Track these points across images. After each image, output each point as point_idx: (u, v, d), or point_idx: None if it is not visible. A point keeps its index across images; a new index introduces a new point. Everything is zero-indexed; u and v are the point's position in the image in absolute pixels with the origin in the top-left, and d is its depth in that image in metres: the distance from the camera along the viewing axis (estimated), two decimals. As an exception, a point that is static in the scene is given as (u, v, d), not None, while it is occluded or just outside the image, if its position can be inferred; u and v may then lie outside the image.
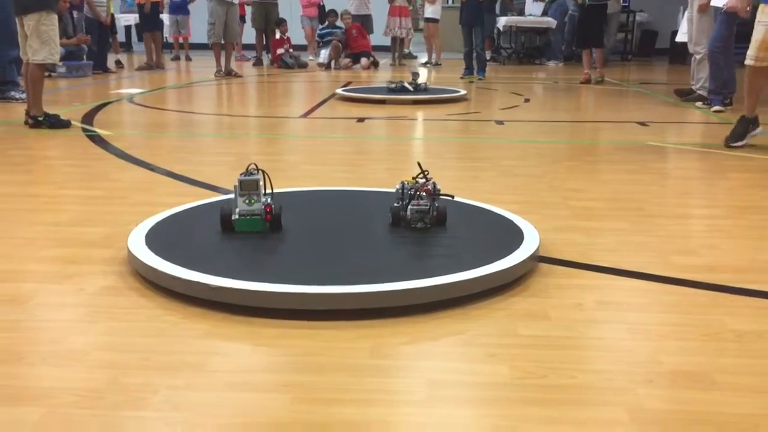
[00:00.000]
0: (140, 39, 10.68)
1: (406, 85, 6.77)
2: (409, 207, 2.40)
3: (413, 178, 2.47)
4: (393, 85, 6.81)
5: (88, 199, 3.10)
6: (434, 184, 2.43)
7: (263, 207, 2.33)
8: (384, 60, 11.77)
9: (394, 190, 2.50)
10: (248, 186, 2.32)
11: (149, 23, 10.47)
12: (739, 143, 4.31)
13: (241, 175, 2.33)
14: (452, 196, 2.58)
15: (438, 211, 2.41)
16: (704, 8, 5.78)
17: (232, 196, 2.38)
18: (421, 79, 6.97)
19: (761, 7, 4.12)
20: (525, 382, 1.55)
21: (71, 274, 2.17)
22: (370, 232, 2.47)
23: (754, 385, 1.55)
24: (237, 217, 2.33)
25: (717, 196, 3.41)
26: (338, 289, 1.88)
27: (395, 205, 2.44)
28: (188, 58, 12.02)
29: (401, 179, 2.48)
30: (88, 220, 2.78)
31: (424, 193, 2.40)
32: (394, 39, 11.77)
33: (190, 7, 12.11)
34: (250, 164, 2.37)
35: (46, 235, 2.56)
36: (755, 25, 4.16)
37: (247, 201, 2.33)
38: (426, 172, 2.48)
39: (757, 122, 4.37)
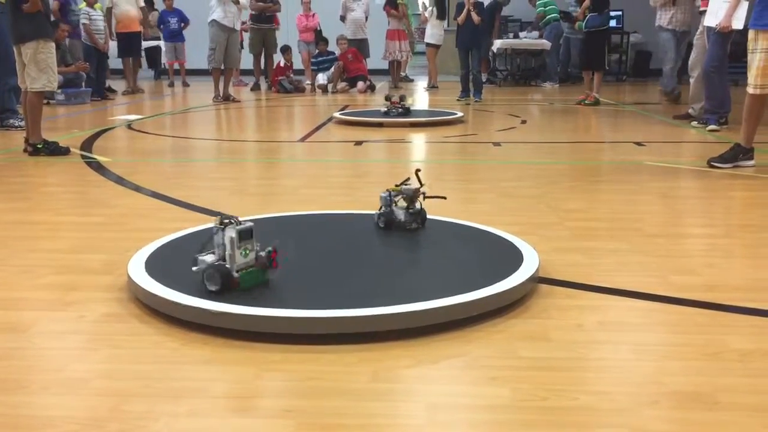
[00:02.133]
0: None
1: (395, 106, 6.79)
2: (403, 211, 2.61)
3: (396, 186, 2.66)
4: (385, 109, 6.83)
5: (87, 225, 3.11)
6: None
7: (265, 255, 2.09)
8: (381, 83, 11.84)
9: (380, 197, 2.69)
10: (246, 236, 2.07)
11: (130, 50, 10.55)
12: (722, 165, 4.29)
13: (226, 226, 2.05)
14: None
15: (423, 212, 2.68)
16: (725, 29, 5.76)
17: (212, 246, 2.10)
18: (397, 98, 6.99)
19: (752, 33, 4.14)
20: (526, 404, 1.55)
21: (71, 302, 2.16)
22: (369, 256, 2.47)
23: (757, 405, 1.54)
24: (237, 273, 2.05)
25: (715, 216, 3.42)
26: (338, 313, 1.88)
27: (385, 210, 2.65)
28: (185, 84, 12.08)
29: (386, 188, 2.69)
30: (88, 246, 2.78)
31: (420, 196, 2.63)
32: (392, 63, 11.86)
33: (186, 33, 12.20)
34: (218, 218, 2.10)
35: (45, 263, 2.56)
36: (750, 54, 4.15)
37: (243, 253, 2.06)
38: (408, 180, 2.69)
39: (751, 155, 4.32)
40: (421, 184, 2.66)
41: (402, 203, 2.67)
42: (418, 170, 2.76)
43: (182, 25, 12.03)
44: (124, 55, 10.45)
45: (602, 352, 1.83)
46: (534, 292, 2.20)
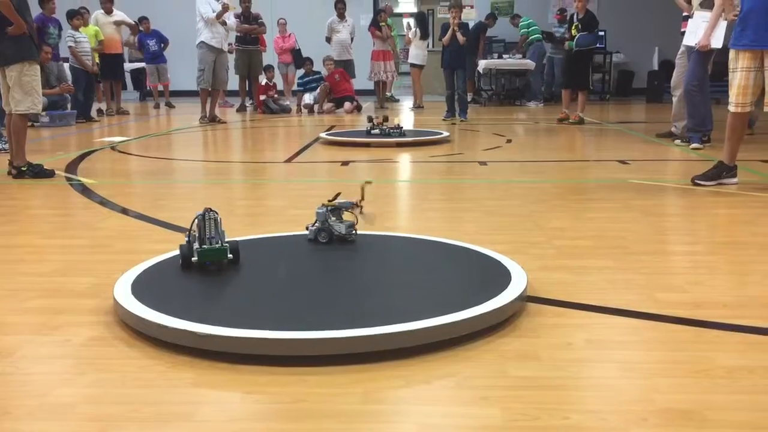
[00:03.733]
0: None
1: (382, 128, 6.82)
2: (343, 224, 2.77)
3: (329, 201, 2.81)
4: (375, 130, 6.85)
5: (72, 248, 3.08)
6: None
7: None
8: (367, 104, 11.89)
9: (316, 213, 2.81)
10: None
11: (113, 72, 10.55)
12: (706, 183, 4.33)
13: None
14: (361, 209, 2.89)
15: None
16: (704, 48, 5.85)
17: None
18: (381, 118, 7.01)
19: (732, 53, 4.21)
20: (518, 424, 1.55)
21: (57, 326, 2.14)
22: (357, 276, 2.47)
23: (746, 422, 1.55)
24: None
25: (699, 233, 3.45)
26: (326, 334, 1.87)
27: (324, 225, 2.78)
28: (170, 105, 12.08)
29: (320, 203, 2.81)
30: (73, 269, 2.76)
31: (357, 208, 2.78)
32: (377, 83, 11.93)
33: (169, 54, 12.22)
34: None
35: (30, 286, 2.53)
36: (731, 73, 4.21)
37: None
38: (338, 194, 2.85)
39: (734, 172, 4.36)
40: (362, 197, 2.80)
41: (336, 217, 2.81)
42: (368, 182, 2.88)
43: (162, 45, 12.05)
44: (106, 77, 10.45)
45: (591, 371, 1.84)
46: (523, 310, 2.21)
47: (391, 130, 6.78)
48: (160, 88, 12.41)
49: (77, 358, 1.92)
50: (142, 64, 12.60)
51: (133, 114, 10.84)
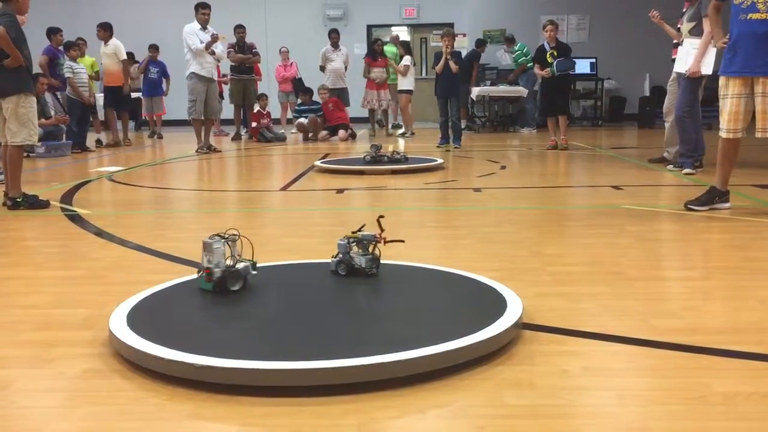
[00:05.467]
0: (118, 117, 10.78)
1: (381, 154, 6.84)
2: (364, 257, 2.70)
3: (353, 233, 2.75)
4: (369, 157, 6.88)
5: (67, 279, 3.08)
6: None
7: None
8: (361, 131, 11.96)
9: (338, 244, 2.75)
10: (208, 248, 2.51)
11: (116, 103, 10.60)
12: (699, 208, 4.35)
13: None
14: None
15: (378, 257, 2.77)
16: (695, 74, 5.93)
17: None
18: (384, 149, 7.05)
19: (722, 80, 4.26)
20: (515, 453, 1.54)
21: (51, 358, 2.13)
22: (352, 305, 2.47)
23: (743, 448, 1.55)
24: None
25: (694, 258, 3.46)
26: (322, 364, 1.86)
27: (344, 257, 2.72)
28: (159, 136, 12.09)
29: (344, 235, 2.76)
30: (68, 301, 2.75)
31: (377, 242, 2.71)
32: (371, 111, 12.02)
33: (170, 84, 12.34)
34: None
35: (24, 319, 2.52)
36: (721, 99, 4.25)
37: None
38: (363, 226, 2.79)
39: (727, 197, 4.38)
40: (382, 230, 2.73)
41: (358, 249, 2.74)
42: (381, 216, 2.83)
43: (162, 78, 12.15)
44: (108, 106, 10.54)
45: (588, 398, 1.83)
46: (518, 338, 2.21)
47: (391, 157, 6.83)
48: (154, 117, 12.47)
49: (72, 391, 1.91)
50: (138, 94, 12.66)
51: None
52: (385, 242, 2.73)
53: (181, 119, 13.61)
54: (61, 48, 9.88)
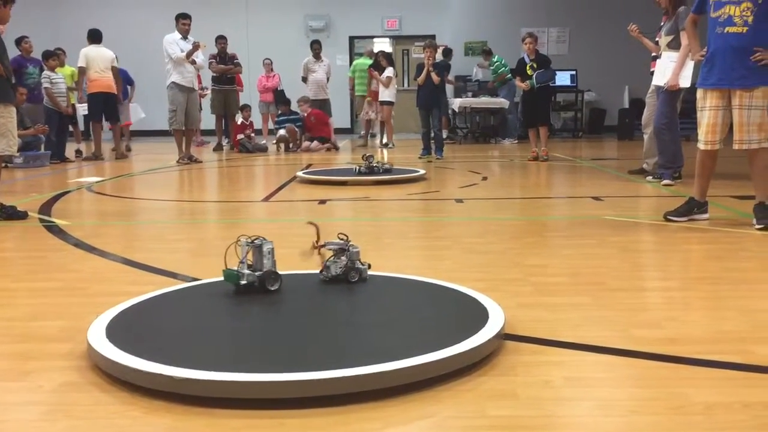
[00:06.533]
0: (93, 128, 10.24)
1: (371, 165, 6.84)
2: (347, 266, 2.75)
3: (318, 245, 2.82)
4: (363, 167, 6.85)
5: (45, 291, 3.04)
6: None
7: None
8: (343, 142, 11.96)
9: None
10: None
11: (110, 113, 10.28)
12: (678, 219, 4.39)
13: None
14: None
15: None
16: (673, 87, 6.00)
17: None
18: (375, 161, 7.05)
19: (700, 92, 4.31)
20: (498, 464, 1.54)
21: (28, 371, 2.10)
22: (334, 316, 2.46)
23: (723, 458, 1.55)
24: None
25: (673, 269, 3.49)
26: (303, 376, 1.85)
27: (327, 265, 2.77)
28: (127, 149, 11.25)
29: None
30: (46, 313, 2.71)
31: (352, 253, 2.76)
32: (368, 122, 12.09)
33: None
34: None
35: (1, 331, 2.48)
36: (699, 111, 4.30)
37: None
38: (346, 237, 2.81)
39: (705, 208, 4.43)
40: (318, 237, 2.82)
41: (335, 258, 2.79)
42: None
43: (127, 86, 11.52)
44: (107, 119, 9.99)
45: (570, 409, 1.84)
46: (500, 348, 2.21)
47: (379, 167, 6.85)
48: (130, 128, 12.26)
49: (49, 404, 1.88)
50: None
51: (107, 155, 10.75)
52: (319, 251, 2.80)
53: (155, 129, 13.57)
54: (33, 56, 9.70)
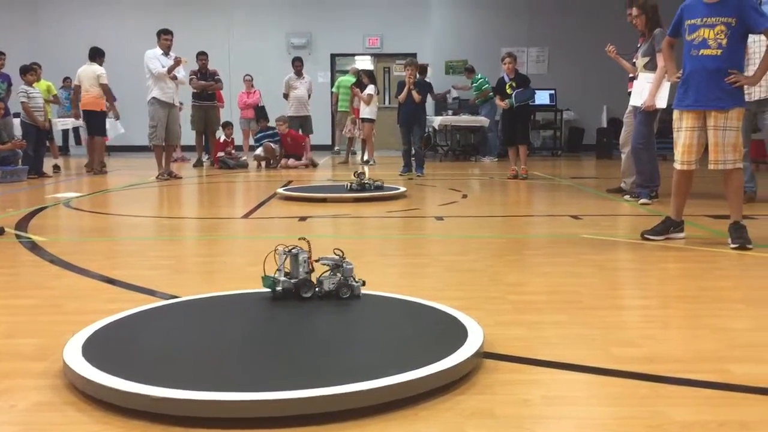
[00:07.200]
0: (79, 143, 10.49)
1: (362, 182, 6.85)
2: (338, 282, 2.78)
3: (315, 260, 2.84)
4: (355, 185, 6.84)
5: (19, 308, 3.00)
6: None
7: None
8: (323, 159, 11.97)
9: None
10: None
11: (97, 128, 10.34)
12: (655, 237, 4.43)
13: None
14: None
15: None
16: (650, 108, 6.09)
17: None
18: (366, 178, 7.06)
19: (676, 113, 4.38)
20: (476, 484, 1.53)
21: (1, 390, 2.06)
22: (313, 334, 2.45)
23: (700, 477, 1.56)
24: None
25: (651, 287, 3.52)
26: (282, 395, 1.84)
27: (321, 280, 2.79)
28: (102, 164, 10.86)
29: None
30: (20, 330, 2.67)
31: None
32: (350, 139, 12.14)
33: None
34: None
35: (-26, 349, 2.44)
36: (675, 132, 4.36)
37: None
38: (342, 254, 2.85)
39: (681, 227, 4.48)
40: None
41: (328, 273, 2.82)
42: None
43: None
44: (95, 133, 10.31)
45: (548, 428, 1.84)
46: (479, 367, 2.21)
47: (370, 184, 6.88)
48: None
49: (23, 424, 1.85)
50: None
51: (85, 171, 10.66)
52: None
53: (134, 145, 13.48)
54: (3, 71, 9.62)
